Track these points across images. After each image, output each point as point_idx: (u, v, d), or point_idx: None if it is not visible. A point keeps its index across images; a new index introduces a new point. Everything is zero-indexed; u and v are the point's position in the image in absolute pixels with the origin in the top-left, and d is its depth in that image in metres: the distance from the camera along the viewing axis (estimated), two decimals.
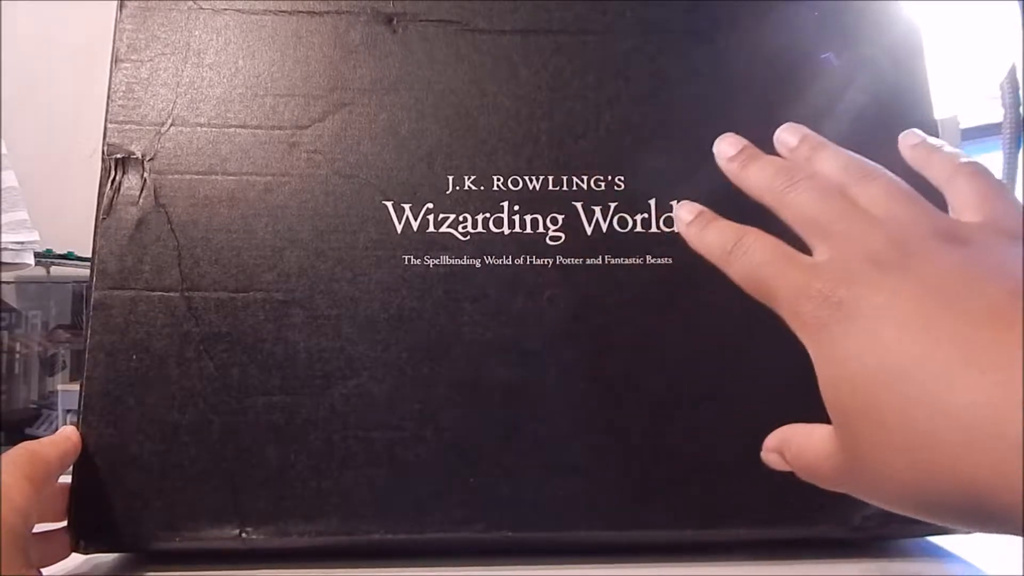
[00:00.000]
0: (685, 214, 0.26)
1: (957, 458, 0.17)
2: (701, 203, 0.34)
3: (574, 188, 0.35)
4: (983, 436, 0.16)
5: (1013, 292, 0.18)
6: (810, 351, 0.21)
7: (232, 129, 0.35)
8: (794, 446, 0.23)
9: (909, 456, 0.18)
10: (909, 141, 0.27)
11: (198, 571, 0.31)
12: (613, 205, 0.35)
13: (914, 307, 0.19)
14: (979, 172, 0.24)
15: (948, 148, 0.25)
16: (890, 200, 0.22)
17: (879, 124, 0.36)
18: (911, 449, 0.18)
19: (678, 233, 0.34)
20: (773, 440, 0.24)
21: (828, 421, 0.21)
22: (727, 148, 0.27)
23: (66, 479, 0.31)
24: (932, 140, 0.26)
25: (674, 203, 0.26)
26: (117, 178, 0.34)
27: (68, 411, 1.72)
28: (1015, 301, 0.18)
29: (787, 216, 0.23)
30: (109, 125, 0.35)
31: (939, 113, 0.37)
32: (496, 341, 0.33)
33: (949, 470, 0.17)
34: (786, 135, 0.27)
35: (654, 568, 0.31)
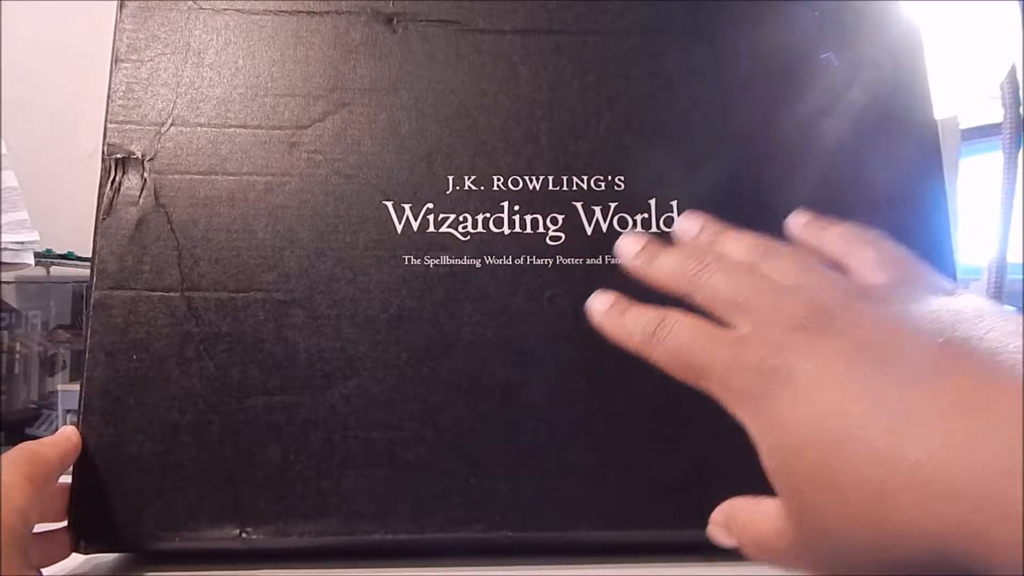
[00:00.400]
0: (599, 304, 0.25)
1: (917, 515, 0.17)
2: (701, 203, 0.34)
3: (574, 188, 0.35)
4: (939, 490, 0.16)
5: (943, 342, 0.18)
6: (748, 425, 0.21)
7: (232, 129, 0.35)
8: (741, 520, 0.23)
9: (867, 518, 0.18)
10: (799, 221, 0.26)
11: (198, 571, 0.31)
12: (613, 205, 0.35)
13: (847, 367, 0.19)
14: (879, 239, 0.24)
15: (840, 224, 0.26)
16: (801, 271, 0.23)
17: (879, 124, 0.36)
18: (868, 511, 0.17)
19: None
20: (719, 514, 0.24)
21: None
22: (630, 246, 0.26)
23: (66, 479, 0.31)
24: (822, 218, 0.26)
25: (593, 303, 0.25)
26: (117, 178, 0.34)
27: (68, 411, 1.72)
28: (947, 349, 0.18)
29: (702, 299, 0.23)
30: (109, 125, 0.35)
31: (939, 113, 0.37)
32: (496, 341, 0.33)
33: (911, 527, 0.17)
34: (687, 223, 0.27)
35: (654, 568, 0.31)
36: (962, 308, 0.20)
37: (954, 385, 0.17)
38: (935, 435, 0.17)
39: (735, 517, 0.23)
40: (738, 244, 0.25)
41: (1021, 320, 0.19)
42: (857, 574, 0.19)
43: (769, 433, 0.20)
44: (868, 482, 0.17)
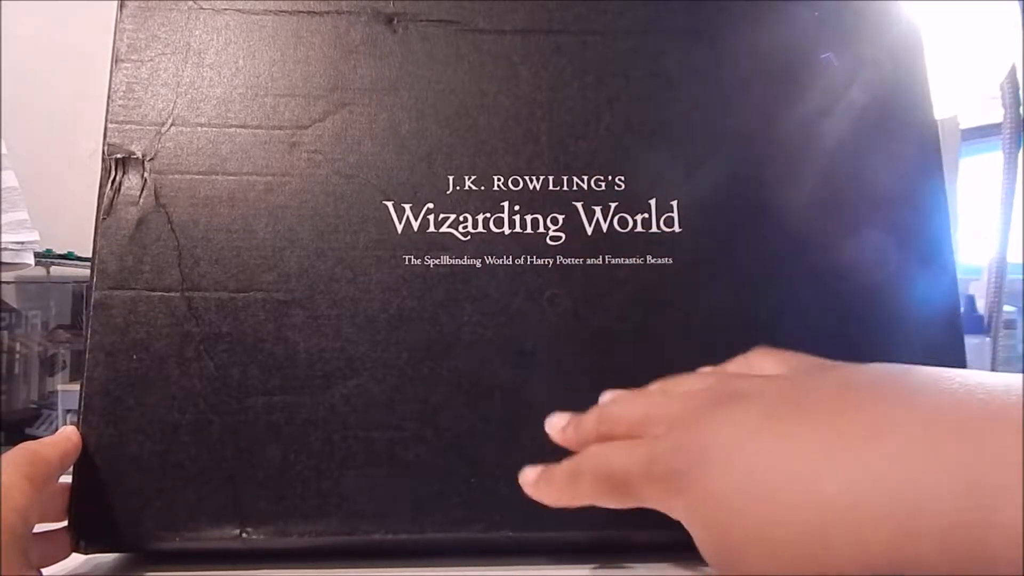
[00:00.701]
0: (528, 476, 0.28)
1: (856, 544, 0.17)
2: (701, 203, 0.35)
3: (574, 188, 0.35)
4: (864, 517, 0.16)
5: (843, 388, 0.19)
6: (678, 513, 0.21)
7: (232, 129, 0.35)
8: None
9: (808, 564, 0.18)
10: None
11: (198, 571, 0.31)
12: (613, 205, 0.35)
13: (758, 426, 0.19)
14: (766, 348, 0.26)
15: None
16: (704, 377, 0.25)
17: (879, 124, 0.36)
18: (809, 556, 0.18)
19: (678, 233, 0.35)
20: None
21: None
22: (556, 422, 0.29)
23: (66, 479, 0.31)
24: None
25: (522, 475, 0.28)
26: (117, 178, 0.34)
27: (68, 411, 1.72)
28: (847, 393, 0.19)
29: (622, 429, 0.25)
30: (109, 125, 0.35)
31: (939, 113, 0.37)
32: (496, 341, 0.33)
33: (852, 560, 0.17)
34: (607, 396, 0.29)
35: (654, 568, 0.31)
36: (852, 366, 0.21)
37: (861, 419, 0.18)
38: (856, 468, 0.17)
39: None
40: (648, 387, 0.27)
41: (898, 366, 0.20)
42: None
43: (697, 509, 0.20)
44: (805, 529, 0.18)
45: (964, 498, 0.15)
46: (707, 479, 0.20)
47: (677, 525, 0.32)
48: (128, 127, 0.35)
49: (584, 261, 0.34)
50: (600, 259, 0.34)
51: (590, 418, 0.27)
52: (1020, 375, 0.17)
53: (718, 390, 0.22)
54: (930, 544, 0.15)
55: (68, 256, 1.78)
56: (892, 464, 0.16)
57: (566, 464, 0.26)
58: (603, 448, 0.24)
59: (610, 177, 0.35)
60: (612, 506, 0.24)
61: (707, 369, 0.27)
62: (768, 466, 0.19)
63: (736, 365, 0.26)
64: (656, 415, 0.23)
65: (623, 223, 0.35)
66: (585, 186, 0.35)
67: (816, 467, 0.18)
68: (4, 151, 1.49)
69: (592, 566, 0.31)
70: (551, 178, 0.35)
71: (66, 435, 0.31)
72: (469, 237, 0.34)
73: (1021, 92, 0.53)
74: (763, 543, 0.18)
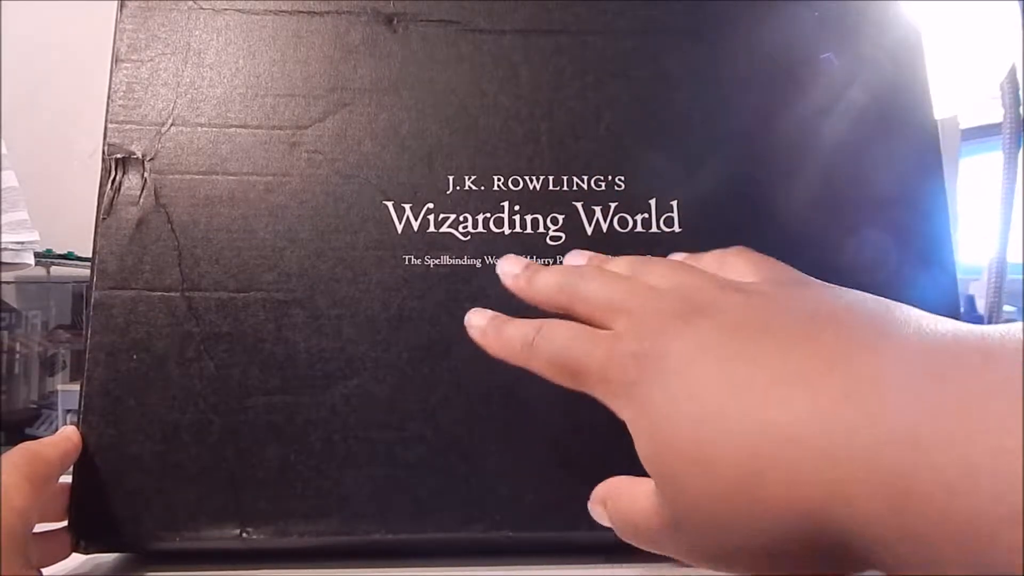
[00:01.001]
0: (477, 319, 0.26)
1: (789, 479, 0.16)
2: (701, 203, 0.34)
3: (574, 188, 0.35)
4: (809, 455, 0.16)
5: (812, 314, 0.19)
6: (624, 416, 0.21)
7: (232, 129, 0.35)
8: (616, 500, 0.23)
9: (740, 492, 0.17)
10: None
11: (198, 571, 0.31)
12: (613, 205, 0.35)
13: (719, 344, 0.19)
14: (745, 249, 0.25)
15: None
16: (675, 272, 0.23)
17: (879, 124, 0.36)
18: (741, 484, 0.17)
19: (678, 233, 0.35)
20: (599, 491, 0.24)
21: None
22: (510, 267, 0.27)
23: (66, 479, 0.31)
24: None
25: (471, 315, 0.27)
26: (117, 178, 0.34)
27: (68, 411, 1.72)
28: (814, 320, 0.18)
29: (581, 310, 0.24)
30: (109, 125, 0.35)
31: (939, 113, 0.37)
32: None
33: (783, 495, 0.16)
34: (572, 258, 0.28)
35: (654, 568, 0.31)
36: (829, 289, 0.20)
37: (820, 350, 0.17)
38: (803, 399, 0.17)
39: (613, 496, 0.23)
40: (616, 262, 0.26)
41: (882, 300, 0.19)
42: (724, 563, 0.19)
43: (643, 419, 0.20)
44: (740, 453, 0.17)
45: (900, 445, 0.14)
46: (658, 391, 0.19)
47: None
48: (128, 127, 0.35)
49: None
50: None
51: (550, 279, 0.25)
52: (1000, 327, 0.16)
53: (687, 299, 0.21)
54: (863, 491, 0.15)
55: (68, 256, 1.78)
56: (838, 402, 0.16)
57: (523, 326, 0.25)
58: (564, 330, 0.23)
59: (610, 177, 0.35)
60: (558, 383, 0.23)
61: (680, 256, 0.26)
62: (718, 387, 0.18)
63: (711, 260, 0.25)
64: (622, 307, 0.22)
65: (623, 223, 0.35)
66: (585, 186, 0.35)
67: (765, 394, 0.17)
68: (4, 151, 1.49)
69: (592, 566, 0.31)
70: (551, 178, 0.35)
71: (66, 435, 0.31)
72: (469, 237, 0.34)
73: (1021, 92, 0.53)
74: (699, 464, 0.18)
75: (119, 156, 0.35)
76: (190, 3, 0.37)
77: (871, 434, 0.15)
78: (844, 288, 0.21)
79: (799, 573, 0.18)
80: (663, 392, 0.19)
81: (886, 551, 0.15)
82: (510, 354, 0.25)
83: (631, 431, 0.20)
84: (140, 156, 0.35)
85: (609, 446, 0.32)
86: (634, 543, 0.22)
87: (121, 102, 0.35)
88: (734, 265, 0.24)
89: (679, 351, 0.20)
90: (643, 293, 0.22)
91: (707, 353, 0.19)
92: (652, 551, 0.21)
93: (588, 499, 0.32)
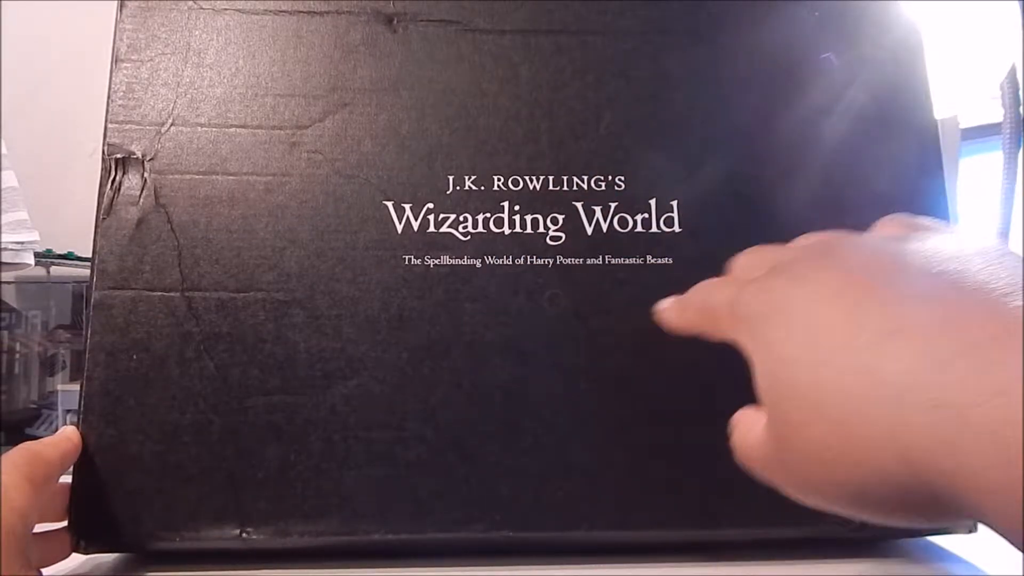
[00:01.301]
0: (662, 306, 0.28)
1: (893, 426, 0.17)
2: (701, 203, 0.35)
3: (574, 188, 0.35)
4: (916, 403, 0.17)
5: (936, 271, 0.19)
6: (747, 350, 0.22)
7: (232, 129, 0.35)
8: (738, 427, 0.24)
9: (846, 433, 0.18)
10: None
11: (198, 571, 0.31)
12: (613, 205, 0.35)
13: (840, 290, 0.20)
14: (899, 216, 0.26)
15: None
16: (804, 239, 0.25)
17: (879, 124, 0.36)
18: (849, 425, 0.18)
19: (678, 233, 0.35)
20: (734, 418, 0.25)
21: None
22: (663, 305, 0.29)
23: (66, 479, 0.31)
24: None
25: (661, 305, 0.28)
26: (117, 178, 0.34)
27: (68, 411, 1.72)
28: (939, 277, 0.19)
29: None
30: (109, 125, 0.35)
31: (939, 113, 0.37)
32: (496, 341, 0.33)
33: (886, 440, 0.17)
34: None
35: (654, 568, 0.31)
36: (963, 243, 0.20)
37: (940, 307, 0.18)
38: (916, 350, 0.17)
39: (737, 423, 0.24)
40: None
41: (1022, 258, 0.19)
42: (828, 500, 0.20)
43: (763, 352, 0.21)
44: (851, 398, 0.18)
45: (1010, 397, 0.15)
46: (777, 328, 0.21)
47: (677, 525, 0.32)
48: (128, 127, 0.35)
49: (584, 261, 0.34)
50: (600, 259, 0.34)
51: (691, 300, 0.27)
52: None
53: (813, 249, 0.23)
54: (968, 441, 0.15)
55: (68, 256, 1.78)
56: (959, 358, 0.16)
57: (681, 297, 0.27)
58: (708, 282, 0.26)
59: (610, 177, 0.35)
60: (709, 338, 0.25)
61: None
62: (835, 333, 0.19)
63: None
64: (755, 262, 0.25)
65: (623, 223, 0.35)
66: (585, 186, 0.35)
67: (880, 345, 0.18)
68: (4, 151, 1.49)
69: (592, 566, 0.31)
70: (551, 178, 0.35)
71: (66, 435, 0.31)
72: (469, 237, 0.34)
73: (1021, 92, 0.53)
74: (810, 403, 0.19)
75: (119, 156, 0.35)
76: (190, 3, 0.37)
77: (981, 386, 0.16)
78: (974, 236, 0.21)
79: (887, 516, 0.19)
80: (784, 331, 0.20)
81: (986, 500, 0.15)
82: (674, 321, 0.27)
83: (752, 363, 0.22)
84: (140, 156, 0.35)
85: (609, 446, 0.32)
86: (748, 468, 0.23)
87: (121, 102, 0.35)
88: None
89: (803, 294, 0.21)
90: (773, 251, 0.25)
91: (827, 297, 0.20)
92: (762, 479, 0.22)
93: (588, 499, 0.33)
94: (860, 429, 0.18)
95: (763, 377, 0.21)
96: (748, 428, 0.23)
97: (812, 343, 0.19)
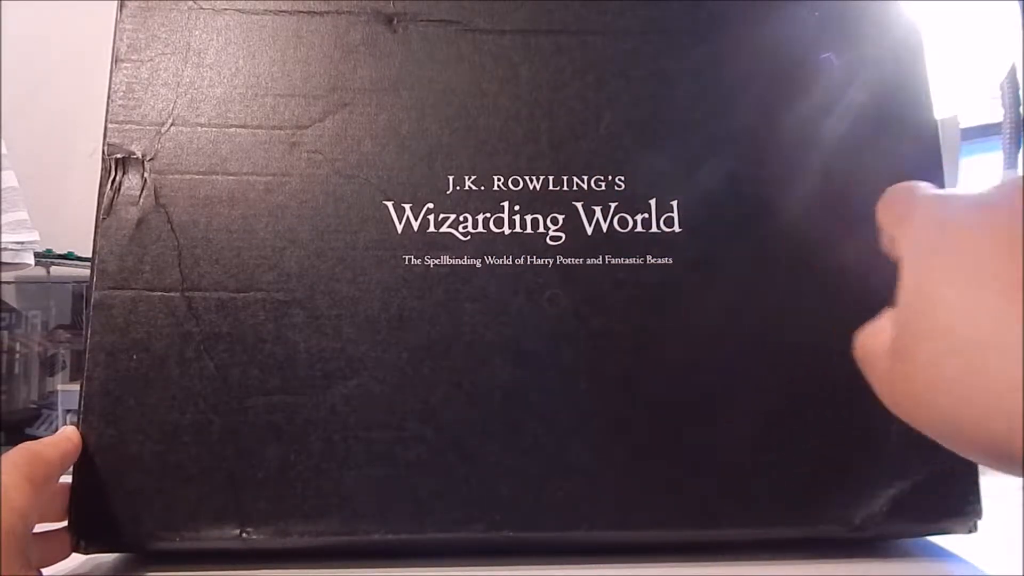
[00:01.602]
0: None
1: (1017, 362, 0.17)
2: (701, 203, 0.34)
3: (574, 188, 0.35)
4: None
5: None
6: (904, 253, 0.22)
7: (232, 129, 0.35)
8: (863, 330, 0.24)
9: (964, 364, 0.18)
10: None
11: (198, 571, 0.31)
12: (613, 205, 0.35)
13: (1009, 232, 0.20)
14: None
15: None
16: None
17: (879, 124, 0.36)
18: (966, 356, 0.18)
19: (678, 233, 0.35)
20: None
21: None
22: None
23: (67, 479, 0.31)
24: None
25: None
26: (117, 178, 0.34)
27: (68, 411, 1.72)
28: None
29: None
30: (109, 125, 0.35)
31: (939, 113, 0.37)
32: (496, 341, 0.33)
33: (1002, 383, 0.17)
34: None
35: (654, 568, 0.31)
36: None
37: None
38: None
39: (864, 330, 0.24)
40: None
41: None
42: (928, 422, 0.20)
43: (917, 264, 0.21)
44: (978, 304, 0.18)
45: None
46: (929, 234, 0.21)
47: (677, 525, 0.32)
48: (128, 127, 0.35)
49: (584, 261, 0.34)
50: (600, 259, 0.34)
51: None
52: None
53: (986, 190, 0.22)
54: None
55: (68, 256, 1.78)
56: None
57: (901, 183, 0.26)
58: (914, 185, 0.25)
59: (610, 177, 0.35)
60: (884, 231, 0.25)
61: None
62: (996, 268, 0.19)
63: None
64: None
65: (623, 223, 0.35)
66: (585, 186, 0.35)
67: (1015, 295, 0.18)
68: (4, 151, 1.49)
69: (592, 566, 0.31)
70: (551, 178, 0.35)
71: (66, 435, 0.31)
72: (469, 237, 0.34)
73: (1021, 92, 0.53)
74: (942, 302, 0.19)
75: (119, 156, 0.35)
76: (190, 3, 0.37)
77: None
78: None
79: (978, 459, 0.19)
80: (945, 258, 0.20)
81: None
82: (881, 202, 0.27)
83: (902, 270, 0.22)
84: (140, 156, 0.35)
85: (609, 446, 0.32)
86: (862, 367, 0.23)
87: (121, 102, 0.35)
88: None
89: (961, 217, 0.21)
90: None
91: (992, 238, 0.20)
92: (870, 380, 0.23)
93: (588, 499, 0.32)
94: (978, 363, 0.18)
95: (907, 273, 0.21)
96: (872, 332, 0.23)
97: (969, 272, 0.19)
